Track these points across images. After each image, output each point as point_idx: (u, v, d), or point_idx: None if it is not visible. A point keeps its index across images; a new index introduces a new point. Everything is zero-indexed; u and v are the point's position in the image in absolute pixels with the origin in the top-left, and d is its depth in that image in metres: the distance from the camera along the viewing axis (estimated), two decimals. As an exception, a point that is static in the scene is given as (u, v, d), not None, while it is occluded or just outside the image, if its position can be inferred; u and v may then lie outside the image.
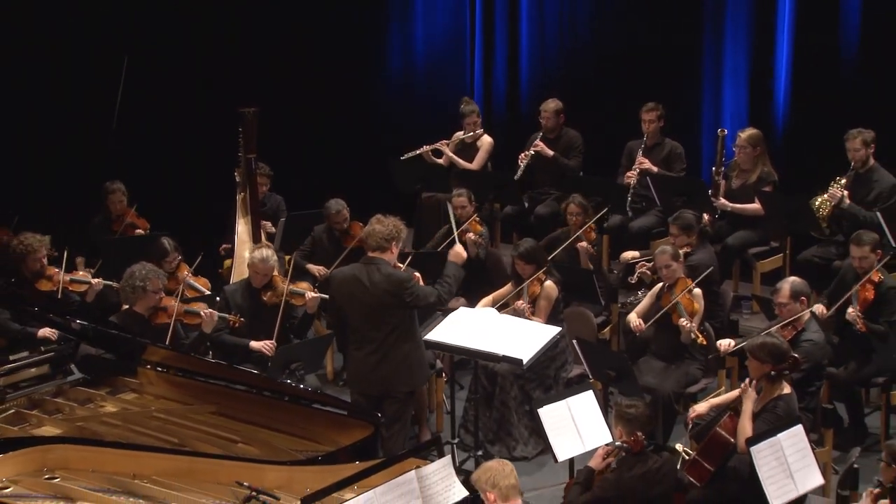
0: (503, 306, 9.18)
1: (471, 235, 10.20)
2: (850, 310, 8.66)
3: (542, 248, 9.65)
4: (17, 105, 11.42)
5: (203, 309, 8.79)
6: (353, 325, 8.06)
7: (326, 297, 9.04)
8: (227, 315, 8.84)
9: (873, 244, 8.79)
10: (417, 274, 8.33)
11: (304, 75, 12.90)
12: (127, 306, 8.70)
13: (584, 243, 10.03)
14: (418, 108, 13.56)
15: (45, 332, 8.55)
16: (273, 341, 8.81)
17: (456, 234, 9.45)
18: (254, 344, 8.83)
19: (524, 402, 8.87)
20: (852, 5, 11.01)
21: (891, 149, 10.17)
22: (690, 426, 7.71)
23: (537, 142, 11.47)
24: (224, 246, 10.61)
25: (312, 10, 12.93)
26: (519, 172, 11.43)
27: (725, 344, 8.61)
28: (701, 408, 7.68)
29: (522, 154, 11.48)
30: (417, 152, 11.77)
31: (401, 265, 8.51)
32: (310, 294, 9.15)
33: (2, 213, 10.25)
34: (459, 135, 11.88)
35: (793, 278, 8.55)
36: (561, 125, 11.60)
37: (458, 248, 8.58)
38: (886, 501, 6.38)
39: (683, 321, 8.70)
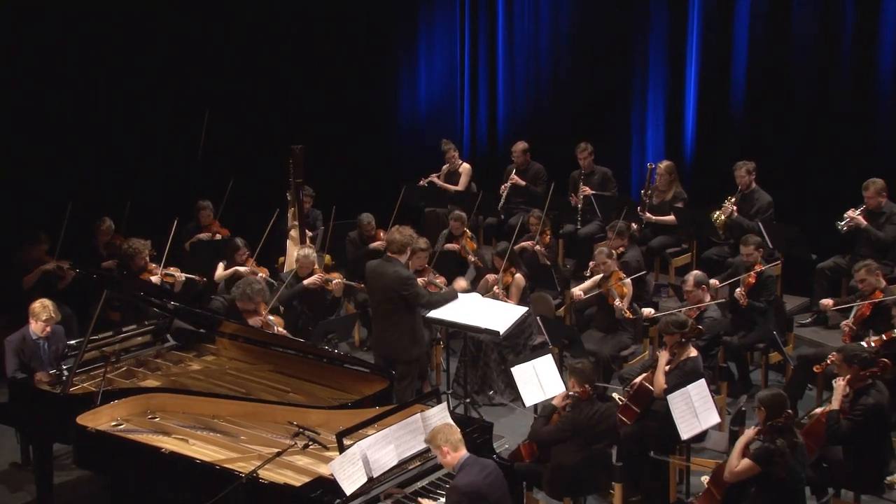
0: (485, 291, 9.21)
1: (472, 257, 10.17)
2: (737, 290, 8.76)
3: (512, 248, 9.64)
4: (130, 146, 11.51)
5: (280, 326, 8.33)
6: (373, 305, 8.09)
7: (352, 283, 9.28)
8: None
9: (756, 244, 8.91)
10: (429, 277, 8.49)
11: (339, 121, 12.91)
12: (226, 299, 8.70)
13: (539, 247, 10.01)
14: (422, 145, 13.55)
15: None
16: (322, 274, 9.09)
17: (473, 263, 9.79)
18: (306, 281, 9.02)
19: (501, 362, 8.88)
20: (739, 72, 11.05)
21: (767, 174, 10.21)
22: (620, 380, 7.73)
23: (512, 175, 11.45)
24: (291, 224, 10.41)
25: (343, 76, 13.02)
26: (502, 202, 11.43)
27: (647, 311, 8.73)
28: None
29: (503, 186, 11.47)
30: (420, 184, 11.77)
31: (426, 266, 8.57)
32: (337, 280, 9.17)
33: (117, 221, 10.24)
34: (446, 167, 11.90)
35: (695, 271, 8.57)
36: (528, 160, 11.58)
37: (461, 283, 9.00)
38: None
39: (617, 302, 8.71)
